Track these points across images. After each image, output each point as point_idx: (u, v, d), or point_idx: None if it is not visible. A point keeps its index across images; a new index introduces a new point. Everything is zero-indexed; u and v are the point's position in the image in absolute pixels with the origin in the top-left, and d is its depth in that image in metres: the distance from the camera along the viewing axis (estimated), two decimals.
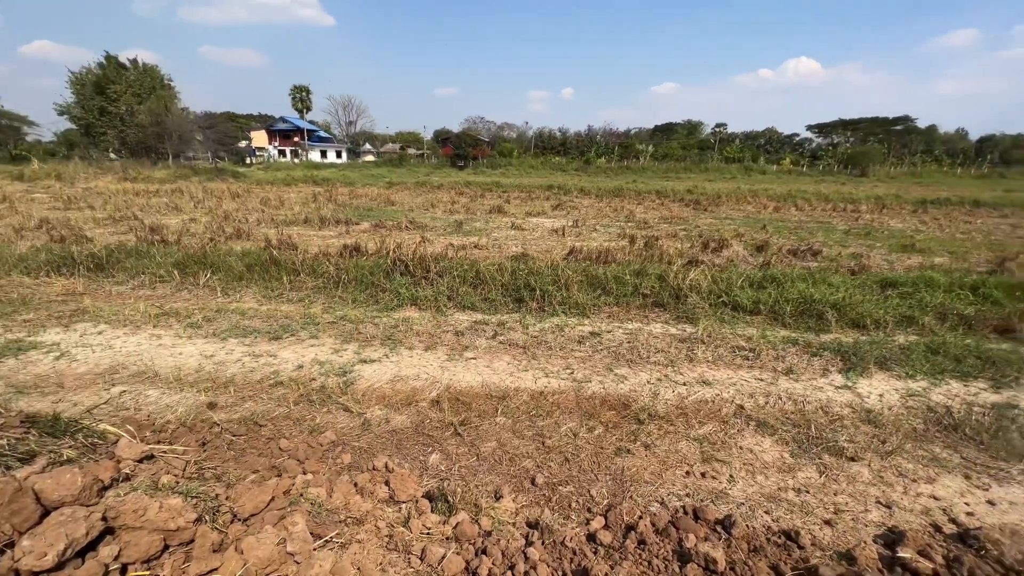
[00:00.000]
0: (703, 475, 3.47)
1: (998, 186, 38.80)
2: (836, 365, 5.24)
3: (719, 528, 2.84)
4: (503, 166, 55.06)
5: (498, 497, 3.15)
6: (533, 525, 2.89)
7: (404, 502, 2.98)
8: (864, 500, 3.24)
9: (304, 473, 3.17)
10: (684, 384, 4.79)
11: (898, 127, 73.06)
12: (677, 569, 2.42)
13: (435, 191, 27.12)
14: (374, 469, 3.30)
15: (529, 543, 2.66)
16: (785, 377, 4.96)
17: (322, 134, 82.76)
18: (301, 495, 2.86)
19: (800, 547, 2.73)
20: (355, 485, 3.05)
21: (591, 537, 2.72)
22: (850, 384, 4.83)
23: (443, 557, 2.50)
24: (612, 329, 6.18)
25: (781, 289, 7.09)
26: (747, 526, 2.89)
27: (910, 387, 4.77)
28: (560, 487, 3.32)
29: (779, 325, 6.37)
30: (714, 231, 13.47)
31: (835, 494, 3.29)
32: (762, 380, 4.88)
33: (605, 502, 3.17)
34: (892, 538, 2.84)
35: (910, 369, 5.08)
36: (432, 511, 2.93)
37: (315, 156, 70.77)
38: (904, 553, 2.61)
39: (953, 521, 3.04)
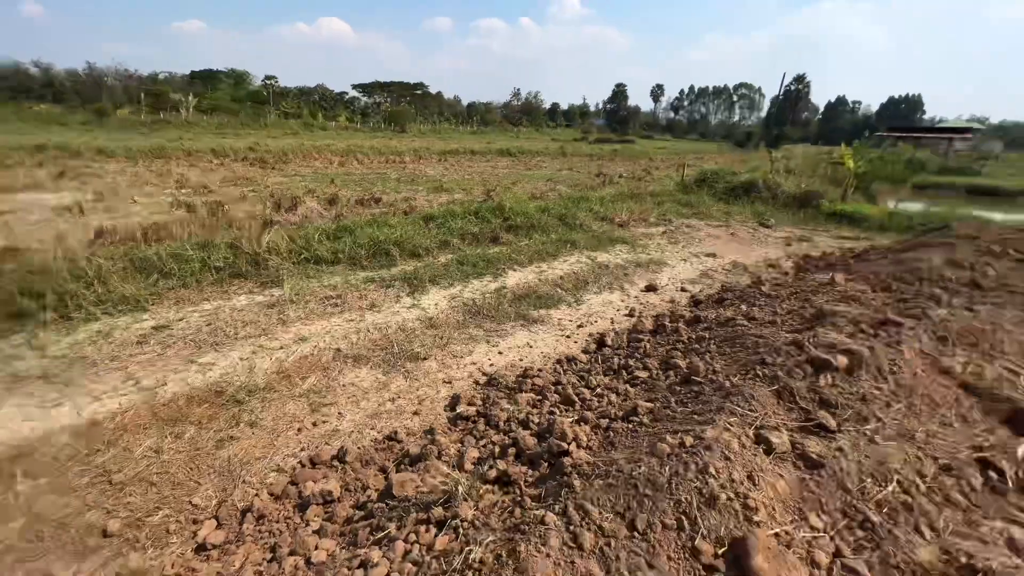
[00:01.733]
0: (315, 424, 3.63)
1: (484, 139, 55.02)
2: (405, 290, 6.37)
3: (335, 462, 3.10)
4: None
5: None
6: None
7: None
8: (436, 385, 4.23)
9: None
10: (282, 348, 4.70)
11: (419, 91, 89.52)
12: (299, 519, 2.51)
13: None
14: None
15: None
16: (370, 312, 5.65)
17: None
18: None
19: (399, 441, 3.35)
20: None
21: (200, 548, 2.42)
22: (416, 303, 6.02)
23: None
24: (184, 316, 5.25)
25: (354, 237, 7.81)
26: (358, 448, 3.27)
27: (452, 293, 6.40)
28: (149, 519, 2.73)
29: (358, 268, 7.09)
30: (285, 190, 13.13)
31: (418, 390, 4.15)
32: (352, 320, 5.39)
33: (214, 502, 2.85)
34: (455, 402, 3.88)
35: (450, 280, 6.78)
36: None
37: None
38: (460, 408, 3.63)
39: (484, 373, 4.44)
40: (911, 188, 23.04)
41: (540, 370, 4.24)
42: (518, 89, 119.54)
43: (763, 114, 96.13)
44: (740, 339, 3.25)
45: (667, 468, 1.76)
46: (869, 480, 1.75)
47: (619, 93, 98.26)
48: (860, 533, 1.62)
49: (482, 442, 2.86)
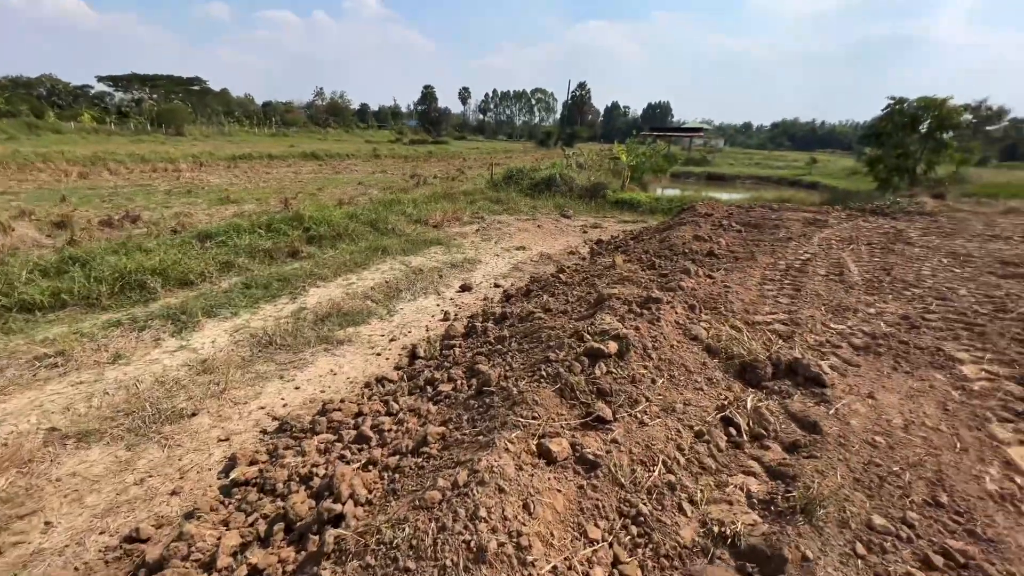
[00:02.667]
0: (1, 554, 2.53)
1: (285, 142, 49.51)
2: (168, 330, 5.11)
3: None
4: None
5: None
6: None
7: None
8: (208, 447, 3.40)
9: None
10: None
11: (195, 87, 76.35)
12: None
13: None
14: None
15: None
16: (113, 366, 4.35)
17: None
18: None
19: (143, 541, 2.53)
20: None
21: None
22: (184, 343, 4.86)
23: None
24: None
25: (88, 269, 6.02)
26: (75, 569, 2.37)
27: (236, 324, 5.36)
28: None
29: (97, 310, 5.46)
30: None
31: (180, 459, 3.27)
32: (81, 383, 4.06)
33: None
34: (231, 465, 3.14)
35: (234, 308, 5.70)
36: None
37: None
38: (235, 472, 2.94)
39: (274, 417, 3.74)
40: (670, 176, 28.32)
41: (343, 401, 3.74)
42: (321, 88, 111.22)
43: (558, 116, 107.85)
44: (536, 333, 3.33)
45: (434, 524, 1.55)
46: (640, 468, 1.86)
47: (428, 95, 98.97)
48: (635, 530, 1.68)
49: (251, 518, 2.29)
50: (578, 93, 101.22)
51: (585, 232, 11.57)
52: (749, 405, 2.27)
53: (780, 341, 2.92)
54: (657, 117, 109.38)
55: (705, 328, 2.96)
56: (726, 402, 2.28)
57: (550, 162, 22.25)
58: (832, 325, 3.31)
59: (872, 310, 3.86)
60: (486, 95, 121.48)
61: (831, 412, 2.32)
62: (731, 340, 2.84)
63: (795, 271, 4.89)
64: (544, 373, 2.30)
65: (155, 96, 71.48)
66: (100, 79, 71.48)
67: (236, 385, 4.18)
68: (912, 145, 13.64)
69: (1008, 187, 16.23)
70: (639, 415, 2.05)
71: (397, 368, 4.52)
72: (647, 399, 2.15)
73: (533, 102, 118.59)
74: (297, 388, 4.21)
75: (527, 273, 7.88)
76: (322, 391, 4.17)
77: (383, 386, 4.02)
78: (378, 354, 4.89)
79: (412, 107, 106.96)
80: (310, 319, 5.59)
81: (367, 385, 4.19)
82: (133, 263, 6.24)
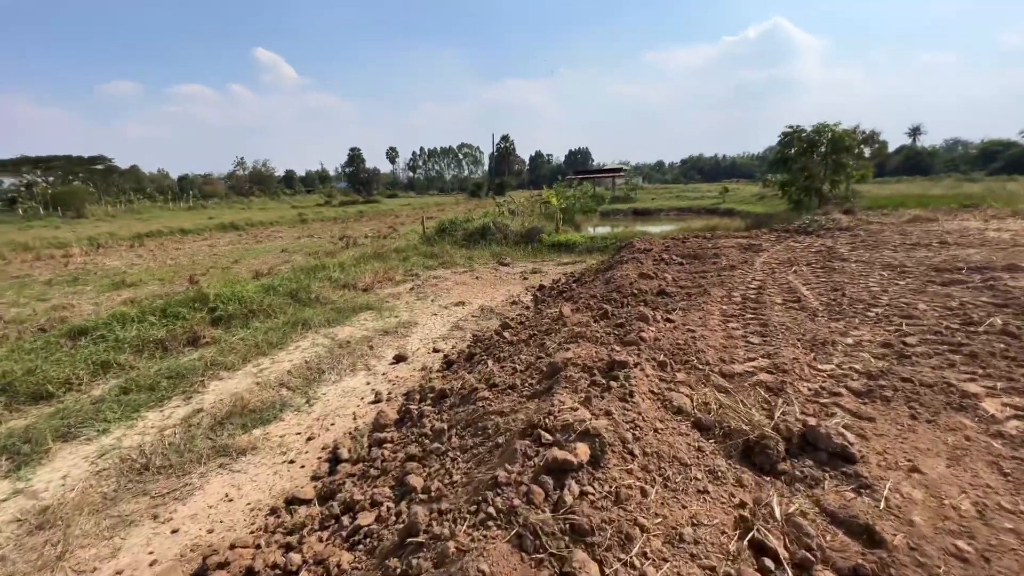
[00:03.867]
0: None
1: (203, 215, 46.62)
2: (2, 470, 3.87)
3: None
4: None
5: None
6: None
7: None
8: None
9: None
10: None
11: (99, 166, 71.48)
12: None
13: None
14: None
15: None
16: None
17: None
18: None
19: None
20: None
21: None
22: (21, 485, 3.67)
23: None
24: None
25: None
26: None
27: (103, 445, 4.21)
28: None
29: None
30: None
31: None
32: None
33: None
34: None
35: (102, 424, 4.53)
36: None
37: None
38: None
39: None
40: (599, 215, 29.27)
41: (233, 547, 2.78)
42: (241, 158, 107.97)
43: (486, 168, 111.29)
44: (481, 422, 2.64)
45: None
46: None
47: (355, 156, 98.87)
48: None
49: None
50: (502, 145, 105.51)
51: (525, 279, 11.15)
52: (778, 514, 1.71)
53: (773, 397, 2.45)
54: (579, 161, 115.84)
55: (687, 395, 2.43)
56: (746, 512, 1.71)
57: (483, 211, 22.18)
58: (820, 366, 2.92)
59: (849, 340, 3.50)
60: (414, 153, 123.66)
61: (881, 506, 1.80)
62: (722, 409, 2.33)
63: (752, 302, 4.62)
64: (493, 510, 1.62)
65: (51, 179, 65.86)
66: None
67: (86, 540, 3.09)
68: (815, 167, 14.88)
69: (893, 198, 18.06)
70: (638, 563, 1.41)
71: (315, 479, 3.62)
72: (642, 528, 1.53)
73: (460, 156, 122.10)
74: (175, 532, 3.17)
75: (469, 331, 7.20)
76: (210, 530, 3.16)
77: (292, 513, 3.10)
78: (291, 461, 3.94)
79: (340, 170, 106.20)
80: (205, 424, 4.54)
81: (273, 511, 3.24)
82: None
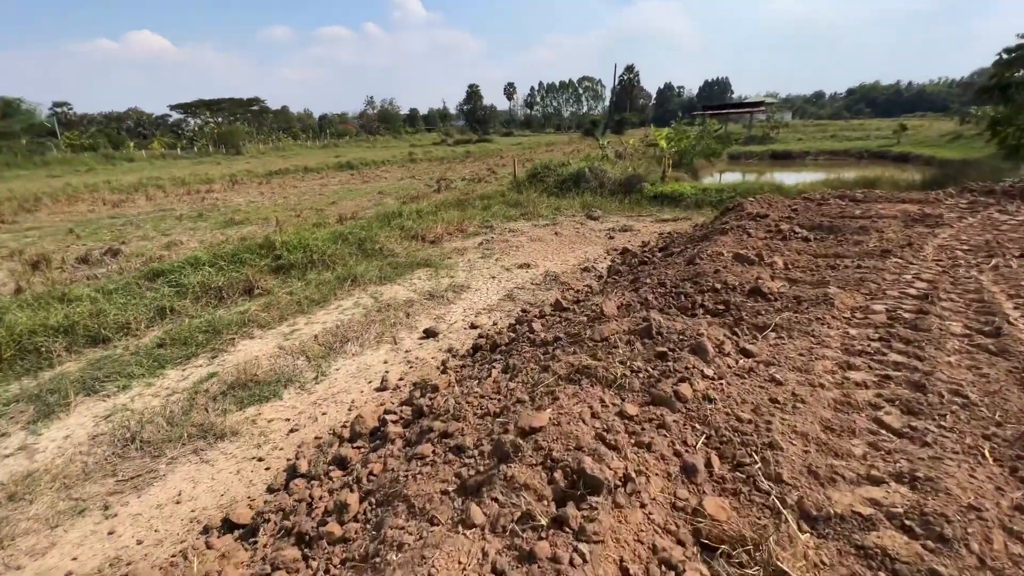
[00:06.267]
0: None
1: (332, 154, 50.48)
2: (24, 418, 4.00)
3: None
4: None
5: None
6: None
7: None
8: None
9: None
10: None
11: (254, 107, 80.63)
12: None
13: None
14: None
15: None
16: None
17: None
18: None
19: None
20: None
21: None
22: (32, 440, 3.72)
23: None
24: None
25: None
26: None
27: (114, 405, 4.19)
28: None
29: None
30: None
31: None
32: None
33: None
34: None
35: (127, 379, 4.55)
36: None
37: None
38: None
39: None
40: (727, 159, 25.18)
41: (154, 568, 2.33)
42: (371, 97, 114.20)
43: (607, 103, 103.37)
44: (395, 502, 1.74)
45: None
46: None
47: (473, 94, 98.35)
48: None
49: None
50: (626, 77, 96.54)
51: (612, 238, 9.66)
52: None
53: None
54: (715, 94, 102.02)
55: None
56: None
57: (582, 155, 20.22)
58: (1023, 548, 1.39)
59: None
60: (532, 88, 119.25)
61: None
62: None
63: (906, 325, 2.78)
64: None
65: (219, 119, 76.18)
66: (172, 107, 77.31)
67: (33, 527, 2.92)
68: None
69: None
70: None
71: (269, 492, 3.09)
72: None
73: (580, 91, 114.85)
74: (111, 534, 2.87)
75: (520, 303, 6.23)
76: (140, 541, 2.81)
77: (210, 544, 2.58)
78: (261, 459, 3.48)
79: (460, 107, 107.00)
80: (212, 392, 4.31)
81: (205, 531, 2.78)
82: (35, 321, 5.28)
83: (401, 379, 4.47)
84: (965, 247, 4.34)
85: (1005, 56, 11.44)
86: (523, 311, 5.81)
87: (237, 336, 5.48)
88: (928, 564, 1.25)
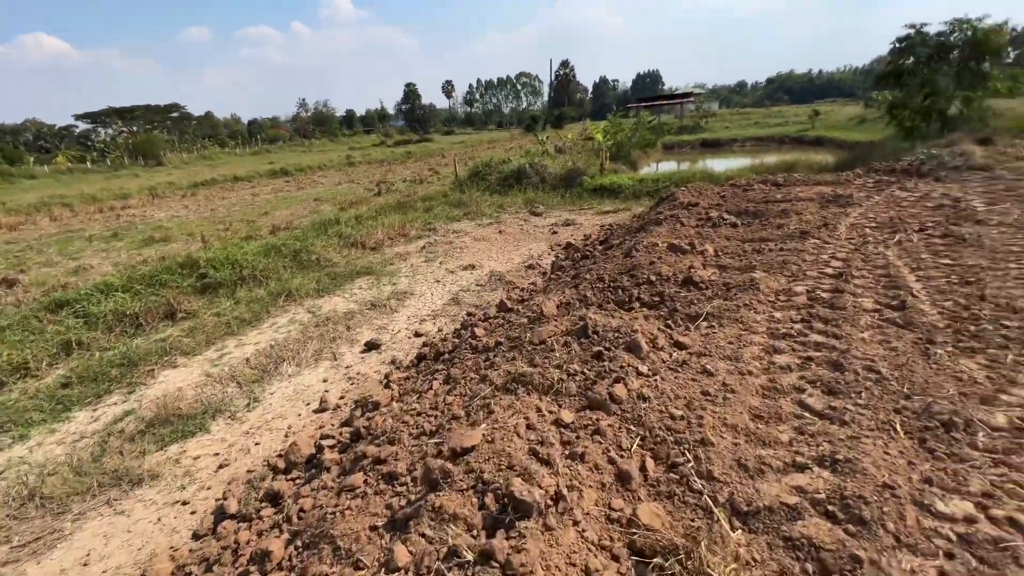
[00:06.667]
0: None
1: (265, 160, 47.81)
2: None
3: None
4: None
5: None
6: None
7: None
8: None
9: None
10: None
11: (174, 114, 75.14)
12: None
13: None
14: None
15: None
16: None
17: None
18: None
19: None
20: None
21: None
22: None
23: None
24: None
25: None
26: None
27: (8, 458, 3.70)
28: None
29: None
30: None
31: None
32: None
33: None
34: None
35: (23, 427, 4.04)
36: None
37: None
38: None
39: None
40: (662, 149, 26.11)
41: None
42: (303, 99, 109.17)
43: (545, 99, 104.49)
44: (321, 544, 1.61)
45: None
46: None
47: (411, 93, 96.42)
48: None
49: None
50: (561, 72, 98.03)
51: (555, 232, 9.73)
52: None
53: None
54: (648, 86, 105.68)
55: None
56: None
57: (525, 150, 20.32)
58: (941, 506, 1.41)
59: (1000, 419, 1.81)
60: (470, 85, 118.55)
61: None
62: None
63: (824, 304, 2.97)
64: None
65: (134, 128, 70.32)
66: (77, 117, 70.63)
67: None
68: (942, 80, 11.30)
69: None
70: None
71: (196, 539, 2.83)
72: None
73: (519, 87, 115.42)
74: None
75: (465, 306, 6.12)
76: None
77: None
78: (185, 503, 3.18)
79: (398, 107, 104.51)
80: (129, 432, 3.91)
81: None
82: None
83: (342, 397, 4.25)
84: (872, 224, 4.68)
85: (897, 45, 12.53)
86: (468, 314, 5.71)
87: (157, 367, 5.02)
88: (849, 549, 1.28)
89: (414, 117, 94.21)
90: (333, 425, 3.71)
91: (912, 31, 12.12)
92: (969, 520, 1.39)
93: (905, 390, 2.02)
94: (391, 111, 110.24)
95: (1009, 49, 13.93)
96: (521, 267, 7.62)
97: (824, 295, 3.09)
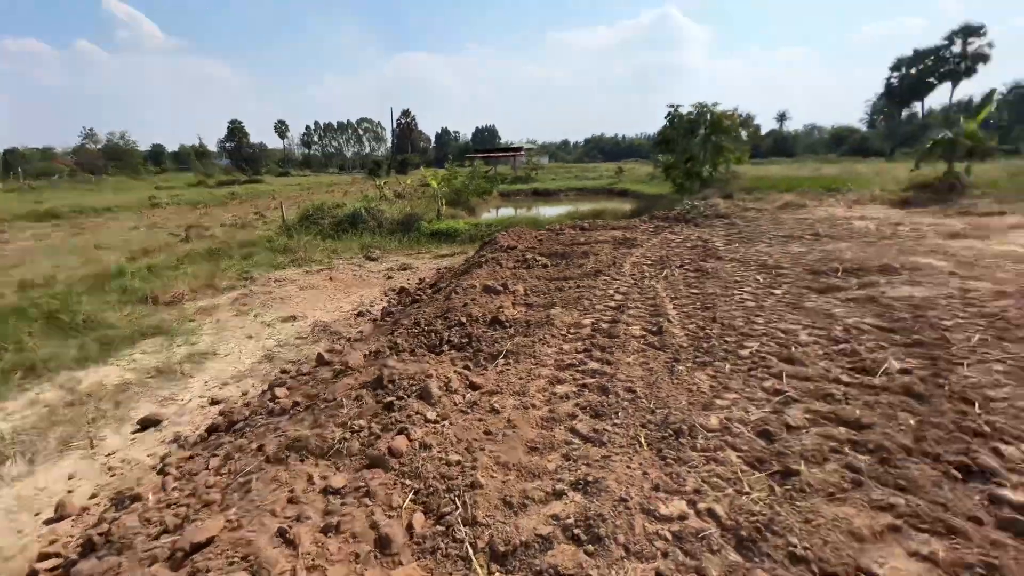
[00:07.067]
0: None
1: (29, 199, 37.90)
2: None
3: None
4: None
5: None
6: None
7: None
8: None
9: None
10: None
11: None
12: None
13: None
14: None
15: None
16: None
17: None
18: None
19: None
20: None
21: None
22: None
23: None
24: None
25: None
26: None
27: None
28: None
29: None
30: None
31: None
32: None
33: None
34: None
35: None
36: None
37: None
38: None
39: None
40: (499, 196, 28.02)
41: None
42: (91, 129, 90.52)
43: (389, 145, 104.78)
44: None
45: None
46: None
47: (236, 130, 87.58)
48: None
49: None
50: (403, 121, 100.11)
51: (390, 278, 9.52)
52: None
53: None
54: (486, 139, 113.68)
55: None
56: None
57: (363, 195, 19.86)
58: (664, 508, 1.62)
59: (714, 421, 2.20)
60: (308, 127, 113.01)
61: None
62: None
63: (604, 334, 3.39)
64: None
65: None
66: None
67: None
68: (696, 149, 14.77)
69: (765, 180, 18.91)
70: None
71: None
72: None
73: (361, 132, 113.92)
74: None
75: (279, 363, 5.51)
76: None
77: None
78: None
79: (221, 145, 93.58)
80: None
81: None
82: None
83: (94, 496, 3.37)
84: (649, 262, 5.63)
85: (666, 120, 15.88)
86: (282, 371, 5.14)
87: None
88: (585, 571, 1.40)
89: (241, 156, 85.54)
90: (72, 537, 2.90)
91: (672, 109, 15.52)
92: (681, 517, 1.65)
93: (652, 405, 2.39)
94: (212, 148, 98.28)
95: (740, 129, 18.68)
96: (351, 315, 7.22)
97: (605, 325, 3.56)
